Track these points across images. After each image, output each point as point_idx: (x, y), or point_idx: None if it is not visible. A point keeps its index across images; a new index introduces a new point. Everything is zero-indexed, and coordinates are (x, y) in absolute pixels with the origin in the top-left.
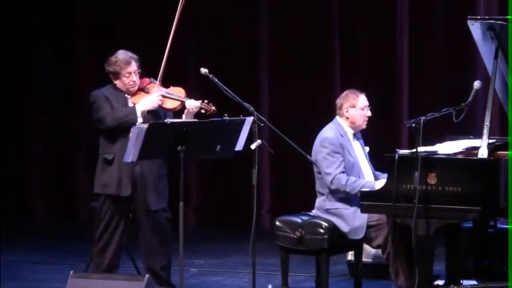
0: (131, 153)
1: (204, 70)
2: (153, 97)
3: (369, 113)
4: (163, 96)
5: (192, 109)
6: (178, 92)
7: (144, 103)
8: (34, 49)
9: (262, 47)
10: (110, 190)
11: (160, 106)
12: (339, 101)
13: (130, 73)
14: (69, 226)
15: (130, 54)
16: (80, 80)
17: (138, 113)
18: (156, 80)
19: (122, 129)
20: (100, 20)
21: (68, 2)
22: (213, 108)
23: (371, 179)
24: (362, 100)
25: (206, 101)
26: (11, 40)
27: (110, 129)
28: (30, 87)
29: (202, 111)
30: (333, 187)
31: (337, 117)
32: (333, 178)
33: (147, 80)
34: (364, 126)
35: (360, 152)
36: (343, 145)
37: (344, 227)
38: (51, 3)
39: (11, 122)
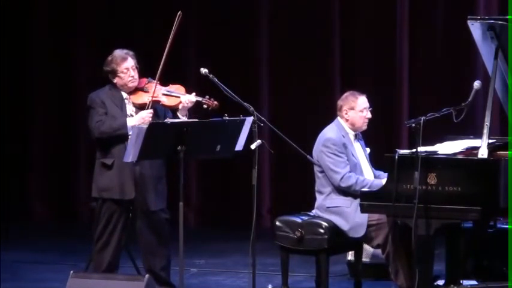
0: (131, 153)
1: (204, 70)
2: (143, 113)
3: (369, 115)
4: (164, 95)
5: (187, 103)
6: (177, 89)
7: (135, 118)
8: (34, 50)
9: (262, 47)
10: (112, 195)
11: (161, 105)
12: (339, 103)
13: (127, 69)
14: (69, 226)
15: (125, 50)
16: (79, 80)
17: (129, 127)
18: (154, 79)
19: (112, 140)
20: (100, 20)
21: (68, 1)
22: (216, 103)
23: None
24: (361, 102)
25: (207, 96)
26: (11, 40)
27: (99, 140)
28: (30, 87)
29: (204, 106)
30: (343, 185)
31: (338, 117)
32: (342, 177)
33: (145, 80)
34: (364, 128)
35: (360, 153)
36: (346, 145)
37: (344, 225)
38: (51, 2)
39: (11, 122)
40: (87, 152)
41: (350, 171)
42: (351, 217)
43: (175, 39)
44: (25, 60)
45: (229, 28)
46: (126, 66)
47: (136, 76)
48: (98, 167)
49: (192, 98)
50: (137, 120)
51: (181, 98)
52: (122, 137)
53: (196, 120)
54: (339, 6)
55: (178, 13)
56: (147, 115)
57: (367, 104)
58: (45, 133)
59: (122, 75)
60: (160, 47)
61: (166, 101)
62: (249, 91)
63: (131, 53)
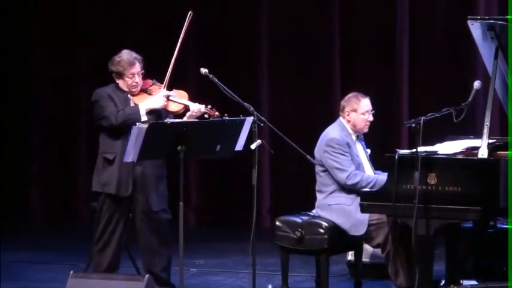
0: (131, 154)
1: (204, 70)
2: (158, 97)
3: (371, 118)
4: (168, 99)
5: (196, 113)
6: (181, 95)
7: (148, 102)
8: (34, 49)
9: (262, 47)
10: (110, 189)
11: (163, 109)
12: (342, 103)
13: (133, 74)
14: (69, 226)
15: (134, 55)
16: (80, 79)
17: (142, 112)
18: (158, 81)
19: (126, 127)
20: (100, 20)
21: (68, 1)
22: (217, 113)
23: None
24: (364, 105)
25: (210, 106)
26: (11, 40)
27: (114, 128)
28: (30, 86)
29: (206, 115)
30: (349, 182)
31: (341, 118)
32: (349, 175)
33: (149, 81)
34: (365, 130)
35: (362, 153)
36: (349, 144)
37: (345, 223)
38: (51, 2)
39: (10, 122)
40: (87, 152)
41: (355, 170)
42: (351, 215)
43: (185, 40)
44: (25, 60)
45: (229, 28)
46: (133, 72)
47: (140, 82)
48: (100, 161)
49: (201, 107)
50: (151, 103)
51: (191, 106)
52: (133, 124)
53: (196, 120)
54: (339, 6)
55: (189, 13)
56: (162, 99)
57: (369, 107)
58: (45, 133)
59: (126, 79)
60: (160, 47)
61: (170, 106)
62: (249, 91)
63: (139, 57)
